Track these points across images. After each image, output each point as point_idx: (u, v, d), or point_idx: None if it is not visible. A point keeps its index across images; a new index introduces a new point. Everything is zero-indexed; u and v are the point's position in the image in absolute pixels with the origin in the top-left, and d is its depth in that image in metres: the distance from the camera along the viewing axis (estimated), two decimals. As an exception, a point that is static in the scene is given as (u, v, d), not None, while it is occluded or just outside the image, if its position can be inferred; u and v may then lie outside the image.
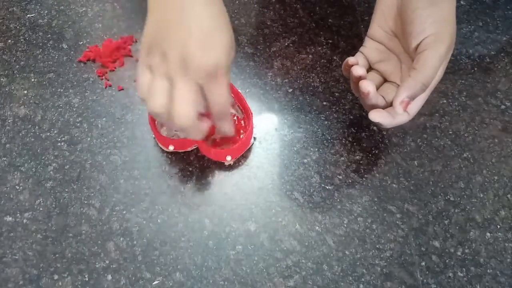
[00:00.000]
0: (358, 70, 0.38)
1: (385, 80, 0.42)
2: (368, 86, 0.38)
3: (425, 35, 0.36)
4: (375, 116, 0.38)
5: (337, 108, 0.48)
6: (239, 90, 0.45)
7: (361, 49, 0.43)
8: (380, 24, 0.41)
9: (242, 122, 0.45)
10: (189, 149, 0.44)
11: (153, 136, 0.45)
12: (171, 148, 0.43)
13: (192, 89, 0.33)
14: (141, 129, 0.46)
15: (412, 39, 0.37)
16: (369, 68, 0.43)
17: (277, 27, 0.53)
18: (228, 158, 0.43)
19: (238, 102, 0.46)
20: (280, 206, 0.42)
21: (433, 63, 0.36)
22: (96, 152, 0.45)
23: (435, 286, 0.39)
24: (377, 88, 0.41)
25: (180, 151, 0.44)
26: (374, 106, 0.39)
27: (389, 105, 0.40)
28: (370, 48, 0.42)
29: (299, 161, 0.45)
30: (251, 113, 0.43)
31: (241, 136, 0.44)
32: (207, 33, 0.32)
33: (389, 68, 0.41)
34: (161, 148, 0.44)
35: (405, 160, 0.45)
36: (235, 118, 0.45)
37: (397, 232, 0.41)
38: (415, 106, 0.39)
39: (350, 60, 0.40)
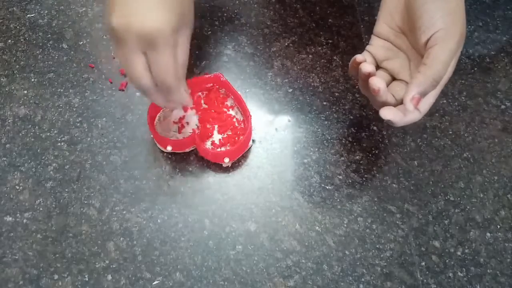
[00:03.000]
0: (367, 67, 0.37)
1: (394, 79, 0.41)
2: (378, 83, 0.36)
3: (435, 30, 0.35)
4: (386, 113, 0.36)
5: (337, 108, 0.48)
6: (238, 92, 0.45)
7: (367, 47, 0.41)
8: (387, 21, 0.40)
9: (242, 124, 0.45)
10: (187, 150, 0.44)
11: (152, 136, 0.45)
12: (169, 148, 0.43)
13: (139, 58, 0.34)
14: (141, 129, 0.46)
15: (421, 34, 0.36)
16: (377, 67, 0.41)
17: (277, 27, 0.53)
18: (226, 160, 0.43)
19: (237, 103, 0.46)
20: (280, 206, 0.42)
21: (444, 58, 0.35)
22: (96, 152, 0.45)
23: (435, 286, 0.39)
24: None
25: (179, 151, 0.44)
26: (384, 104, 0.38)
27: (399, 103, 0.38)
28: (376, 46, 0.41)
29: (299, 161, 0.45)
30: (250, 115, 0.43)
31: (240, 138, 0.44)
32: (152, 2, 0.33)
33: (397, 66, 0.40)
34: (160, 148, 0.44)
35: (405, 160, 0.45)
36: (234, 120, 0.45)
37: (397, 232, 0.41)
38: (426, 103, 0.38)
39: (358, 57, 0.39)
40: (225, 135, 0.44)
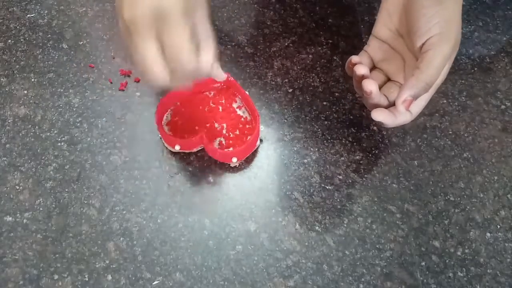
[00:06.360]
0: (361, 69, 0.38)
1: (389, 79, 0.42)
2: (370, 85, 0.37)
3: (430, 35, 0.36)
4: (378, 115, 0.37)
5: (337, 108, 0.48)
6: (246, 91, 0.45)
7: (365, 47, 0.42)
8: (385, 23, 0.41)
9: (249, 124, 0.45)
10: (195, 149, 0.44)
11: (160, 136, 0.45)
12: (177, 148, 0.43)
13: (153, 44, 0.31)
14: (141, 129, 0.46)
15: (417, 38, 0.37)
16: (373, 67, 0.42)
17: (277, 27, 0.53)
18: (234, 159, 0.43)
19: (245, 104, 0.46)
20: (280, 206, 0.42)
21: (437, 63, 0.36)
22: (96, 152, 0.45)
23: (435, 286, 0.39)
24: (380, 87, 0.41)
25: (183, 151, 0.44)
26: (377, 105, 0.39)
27: (392, 104, 0.39)
28: (374, 47, 0.42)
29: (299, 161, 0.45)
30: (258, 115, 0.43)
31: (248, 138, 0.44)
32: None
33: (392, 67, 0.41)
34: (161, 148, 0.44)
35: (405, 160, 0.45)
36: (242, 119, 0.45)
37: (397, 232, 0.41)
38: (418, 105, 0.39)
39: (354, 58, 0.40)
40: (233, 135, 0.45)
